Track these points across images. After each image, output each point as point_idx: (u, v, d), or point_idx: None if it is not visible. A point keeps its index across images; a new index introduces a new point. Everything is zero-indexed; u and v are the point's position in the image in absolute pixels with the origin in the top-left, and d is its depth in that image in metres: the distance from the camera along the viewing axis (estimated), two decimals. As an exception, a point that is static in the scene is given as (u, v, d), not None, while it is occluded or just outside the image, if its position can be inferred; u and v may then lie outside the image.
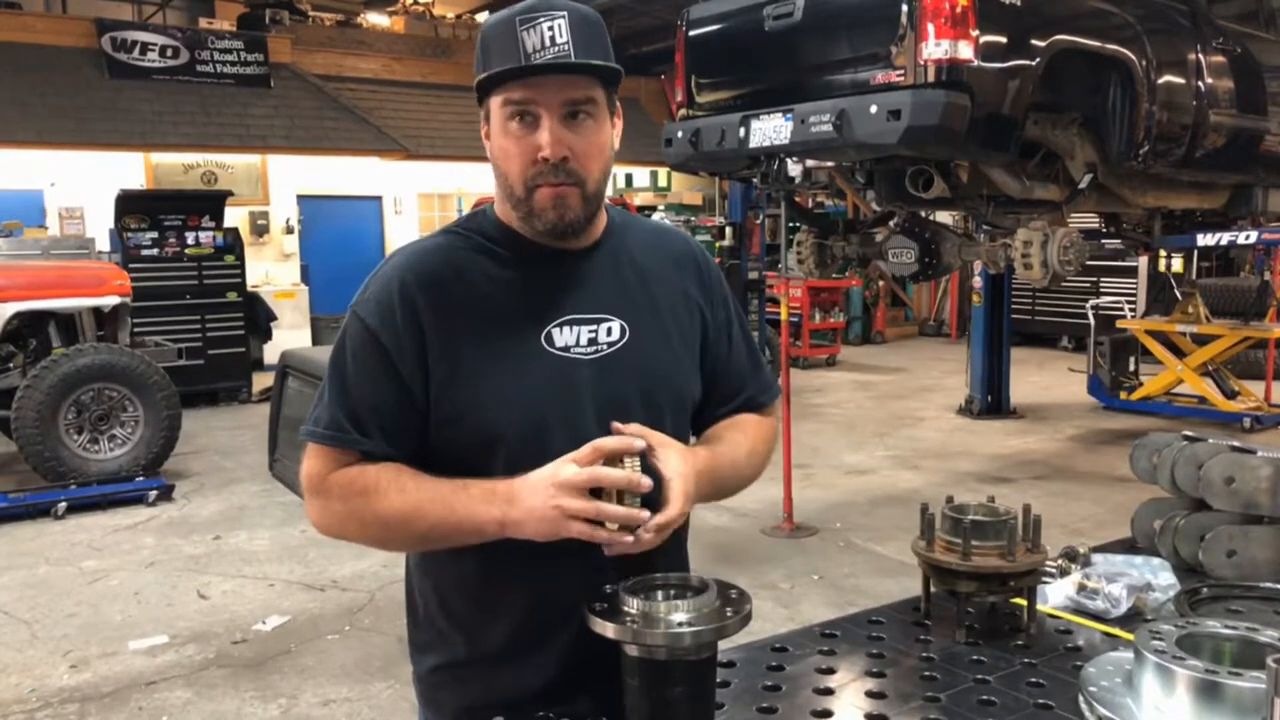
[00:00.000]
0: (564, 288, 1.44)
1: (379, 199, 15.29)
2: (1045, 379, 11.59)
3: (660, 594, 1.29)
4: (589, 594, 1.30)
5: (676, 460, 1.32)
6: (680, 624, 1.21)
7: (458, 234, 1.48)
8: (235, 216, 12.31)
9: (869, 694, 1.41)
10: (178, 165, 13.50)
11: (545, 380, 1.39)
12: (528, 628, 1.44)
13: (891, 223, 6.51)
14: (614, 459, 1.28)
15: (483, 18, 18.12)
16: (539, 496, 1.27)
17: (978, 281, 9.57)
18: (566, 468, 1.27)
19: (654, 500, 1.28)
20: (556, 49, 1.31)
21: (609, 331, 1.44)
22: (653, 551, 1.38)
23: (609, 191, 1.54)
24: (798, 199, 7.87)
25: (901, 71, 4.89)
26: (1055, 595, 1.74)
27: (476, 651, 1.47)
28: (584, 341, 1.43)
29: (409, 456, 1.39)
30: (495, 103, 1.37)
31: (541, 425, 1.38)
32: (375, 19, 17.35)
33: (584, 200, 1.39)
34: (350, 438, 1.38)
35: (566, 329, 1.42)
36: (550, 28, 1.31)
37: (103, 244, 10.96)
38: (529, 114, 1.34)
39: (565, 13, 1.33)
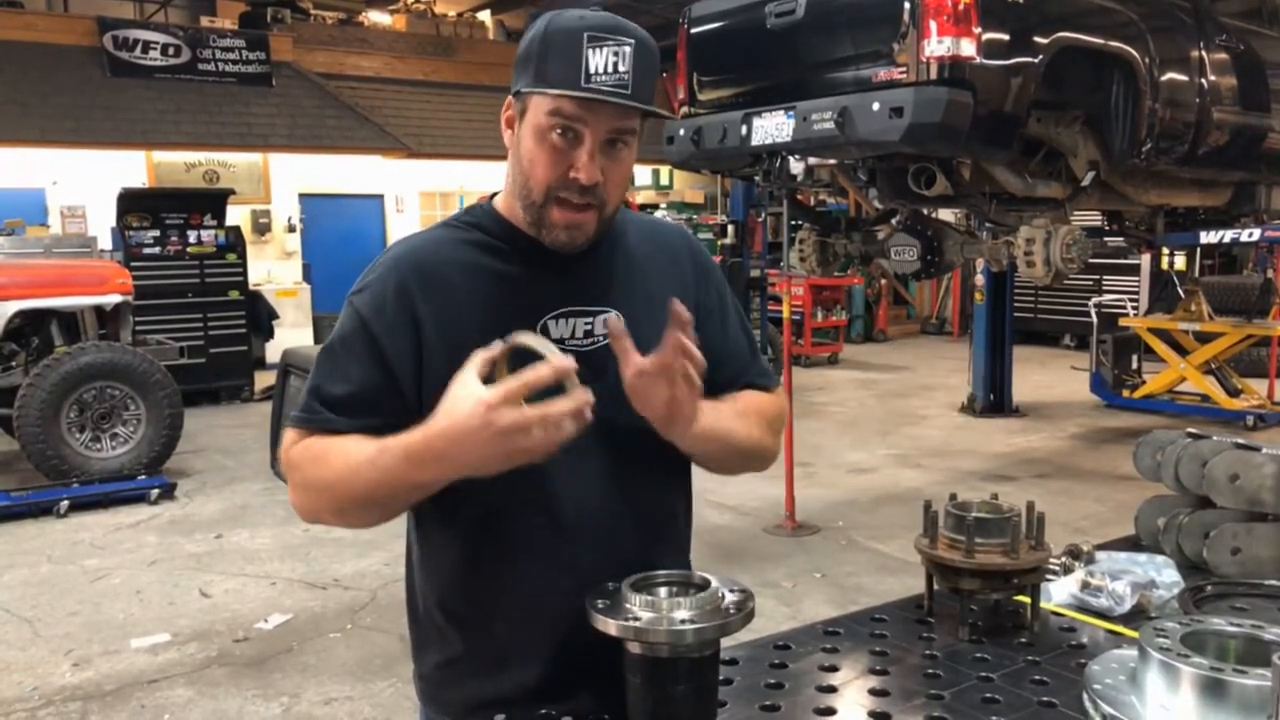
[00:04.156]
0: (560, 281, 1.44)
1: (381, 197, 15.30)
2: (1048, 377, 11.59)
3: (663, 591, 1.28)
4: (588, 590, 1.29)
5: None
6: (683, 621, 1.20)
7: (455, 226, 1.48)
8: (237, 215, 12.33)
9: (872, 692, 1.40)
10: (179, 164, 13.52)
11: None
12: (526, 624, 1.43)
13: (894, 221, 6.51)
14: (522, 357, 1.22)
15: (484, 16, 18.12)
16: (475, 441, 1.19)
17: (980, 279, 9.56)
18: (479, 390, 1.19)
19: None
20: (617, 77, 1.30)
21: (605, 323, 1.44)
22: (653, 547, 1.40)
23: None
24: (800, 197, 7.86)
25: (904, 69, 4.89)
26: (1059, 593, 1.73)
27: (475, 649, 1.46)
28: (579, 334, 1.43)
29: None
30: (541, 103, 1.34)
31: None
32: (377, 17, 17.36)
33: (599, 223, 1.40)
34: (321, 417, 1.38)
35: (562, 321, 1.42)
36: (616, 53, 1.30)
37: (105, 242, 10.98)
38: (573, 130, 1.33)
39: (633, 42, 1.32)
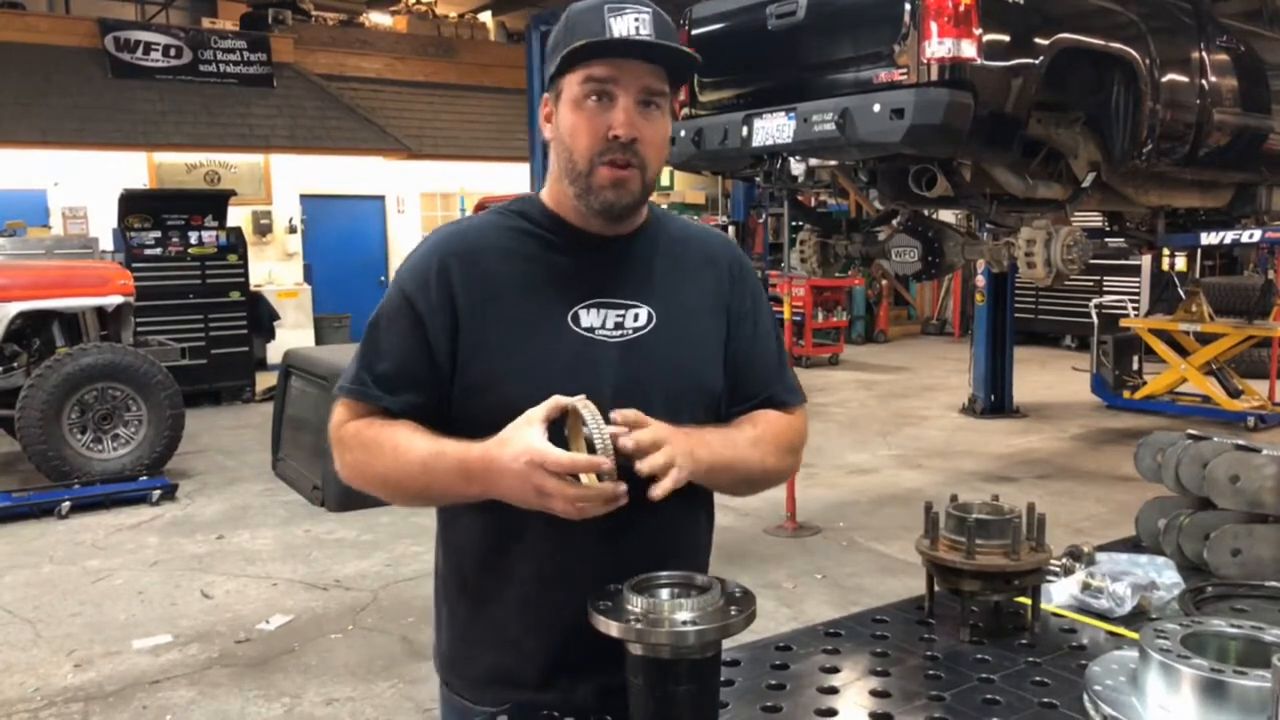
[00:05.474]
0: (598, 272, 1.48)
1: (381, 198, 15.30)
2: (1048, 378, 11.59)
3: (665, 592, 1.29)
4: (598, 580, 1.31)
5: (657, 426, 1.33)
6: (684, 623, 1.21)
7: (501, 214, 1.54)
8: (238, 216, 12.33)
9: (873, 693, 1.40)
10: (181, 165, 13.52)
11: (567, 358, 1.43)
12: (534, 606, 1.46)
13: (894, 222, 6.51)
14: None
15: (485, 17, 18.13)
16: (514, 484, 1.29)
17: (981, 280, 9.57)
18: (534, 441, 1.27)
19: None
20: (641, 39, 1.38)
21: (636, 317, 1.48)
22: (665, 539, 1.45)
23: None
24: (800, 198, 7.87)
25: (904, 70, 4.89)
26: (1059, 594, 1.73)
27: (486, 621, 1.50)
28: (610, 325, 1.46)
29: (430, 416, 1.44)
30: (573, 79, 1.41)
31: None
32: (378, 18, 17.38)
33: (642, 185, 1.44)
34: (371, 393, 1.46)
35: (594, 311, 1.46)
36: (637, 19, 1.39)
37: (106, 244, 10.98)
38: (606, 93, 1.39)
39: (650, 9, 1.41)
